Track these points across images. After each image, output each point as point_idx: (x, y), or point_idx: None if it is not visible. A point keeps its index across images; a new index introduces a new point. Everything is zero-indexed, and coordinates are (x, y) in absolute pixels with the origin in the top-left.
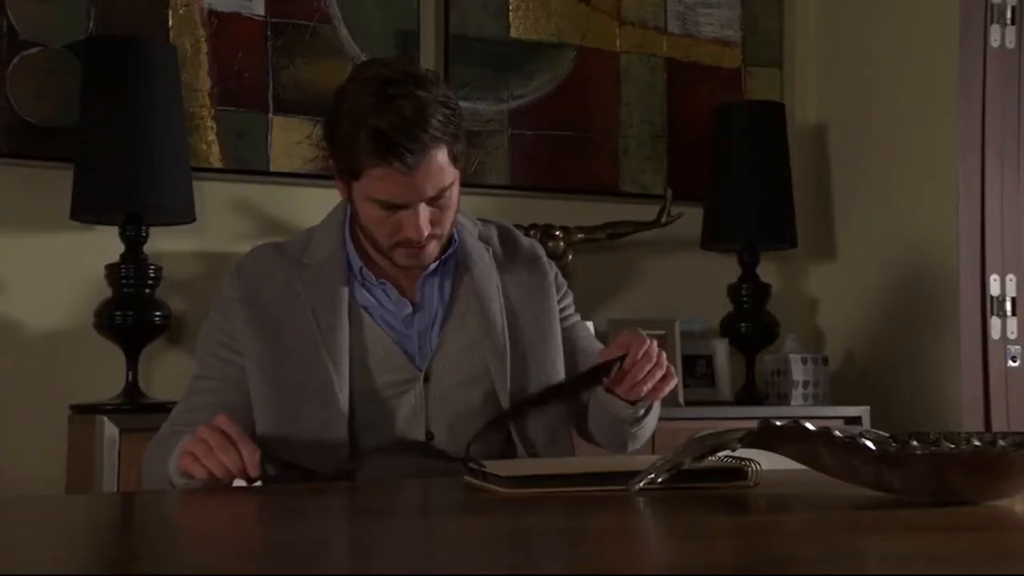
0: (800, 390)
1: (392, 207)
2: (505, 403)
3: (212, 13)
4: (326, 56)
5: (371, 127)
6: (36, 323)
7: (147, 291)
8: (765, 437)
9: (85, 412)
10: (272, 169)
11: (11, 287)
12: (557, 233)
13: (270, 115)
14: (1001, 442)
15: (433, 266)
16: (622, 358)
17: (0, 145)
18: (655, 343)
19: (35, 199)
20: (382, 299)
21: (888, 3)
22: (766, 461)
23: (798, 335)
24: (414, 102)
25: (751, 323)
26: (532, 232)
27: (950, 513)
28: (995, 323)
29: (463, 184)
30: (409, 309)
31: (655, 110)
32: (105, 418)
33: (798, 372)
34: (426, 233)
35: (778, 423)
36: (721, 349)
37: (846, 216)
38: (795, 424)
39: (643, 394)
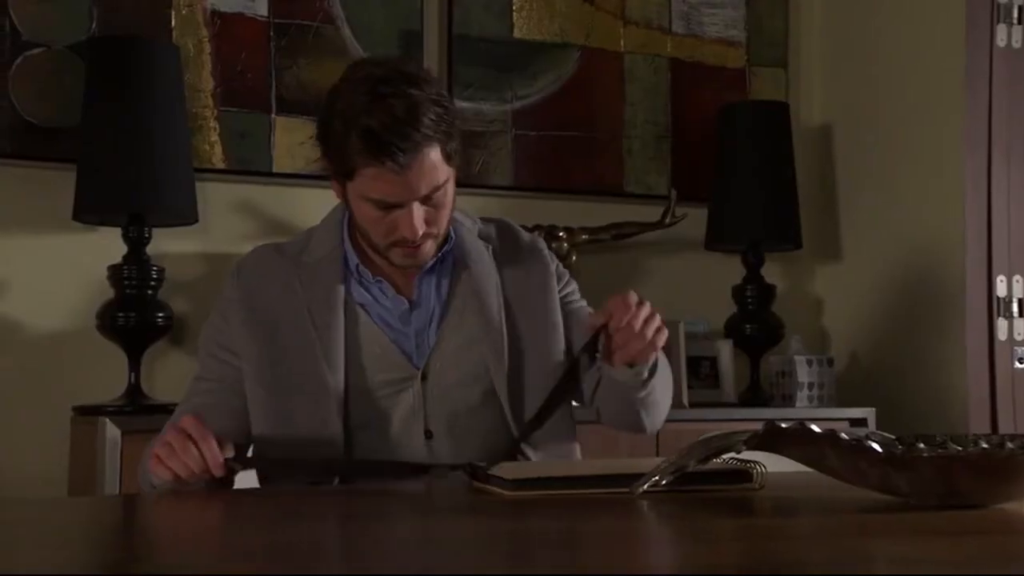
0: (805, 392)
1: (386, 206)
2: (504, 401)
3: (215, 13)
4: (329, 56)
5: (363, 126)
6: (38, 324)
7: (149, 292)
8: (770, 439)
9: (87, 413)
10: (275, 170)
11: (13, 288)
12: (561, 234)
13: (273, 116)
14: (1009, 444)
15: (430, 264)
16: (606, 326)
17: (3, 146)
18: (635, 299)
19: (37, 200)
20: (379, 296)
21: (893, 2)
22: (771, 463)
23: (803, 336)
24: (406, 101)
25: (756, 324)
26: (536, 233)
27: (957, 516)
28: (1002, 324)
29: (467, 185)
30: (406, 306)
31: (659, 110)
32: (107, 420)
33: (803, 373)
34: (421, 232)
35: (783, 425)
36: (725, 350)
37: (851, 217)
38: (800, 426)
39: (635, 353)
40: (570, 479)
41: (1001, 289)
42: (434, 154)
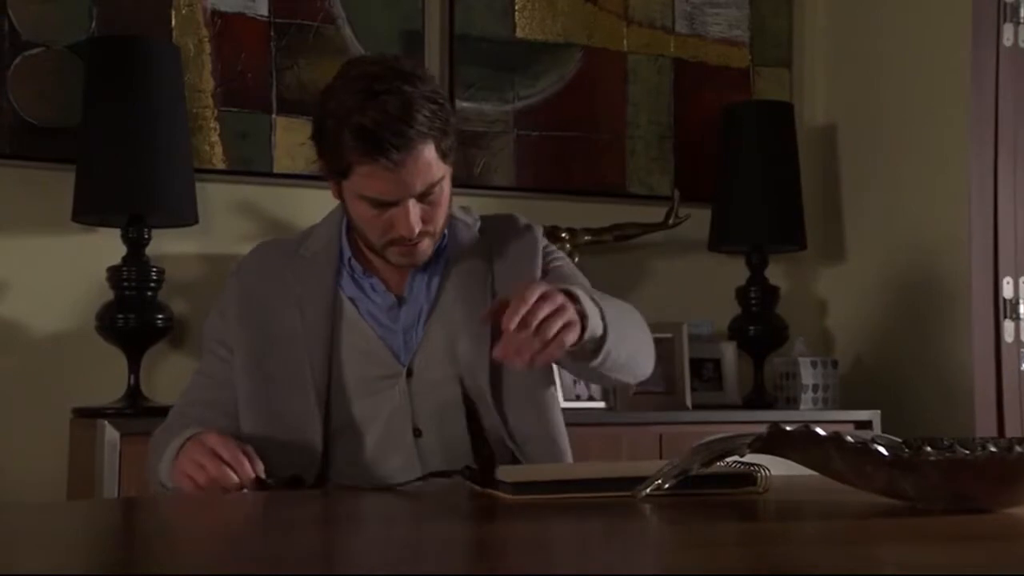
0: (809, 394)
1: (382, 205)
2: (488, 398)
3: (215, 13)
4: (330, 56)
5: (356, 124)
6: (37, 325)
7: (149, 293)
8: (774, 442)
9: (86, 416)
10: (275, 170)
11: (12, 289)
12: (563, 235)
13: (273, 116)
14: (1017, 448)
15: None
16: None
17: (2, 146)
18: (538, 291)
19: (37, 200)
20: (368, 291)
21: (899, 1)
22: (775, 466)
23: (807, 338)
24: (399, 98)
25: (759, 326)
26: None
27: (964, 521)
28: (1008, 326)
29: (469, 185)
30: (393, 301)
31: (662, 111)
32: (106, 422)
33: (807, 375)
34: (417, 230)
35: (788, 428)
36: (729, 352)
37: (856, 218)
38: (805, 429)
39: (529, 358)
40: (572, 483)
41: (1007, 291)
42: (428, 151)
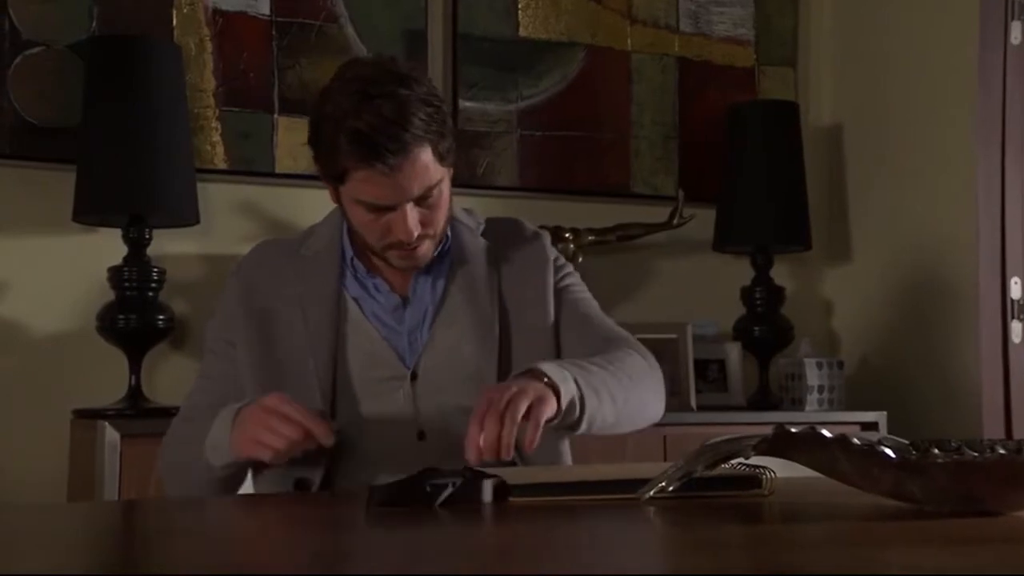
0: (815, 395)
1: (379, 209)
2: None
3: (217, 12)
4: (332, 56)
5: (351, 129)
6: (38, 326)
7: (150, 294)
8: (780, 444)
9: (87, 417)
10: (277, 170)
11: (13, 289)
12: (567, 235)
13: (275, 115)
14: None
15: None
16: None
17: (2, 146)
18: (497, 391)
19: (37, 200)
20: (372, 291)
21: (905, 0)
22: (780, 468)
23: (813, 339)
24: (395, 101)
25: (764, 326)
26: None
27: (973, 524)
28: (1016, 327)
29: (471, 185)
30: (398, 302)
31: (667, 110)
32: (107, 423)
33: (813, 376)
34: (416, 234)
35: (793, 429)
36: (734, 353)
37: (862, 217)
38: (811, 430)
39: (507, 447)
40: (575, 485)
41: (1015, 291)
42: (425, 155)
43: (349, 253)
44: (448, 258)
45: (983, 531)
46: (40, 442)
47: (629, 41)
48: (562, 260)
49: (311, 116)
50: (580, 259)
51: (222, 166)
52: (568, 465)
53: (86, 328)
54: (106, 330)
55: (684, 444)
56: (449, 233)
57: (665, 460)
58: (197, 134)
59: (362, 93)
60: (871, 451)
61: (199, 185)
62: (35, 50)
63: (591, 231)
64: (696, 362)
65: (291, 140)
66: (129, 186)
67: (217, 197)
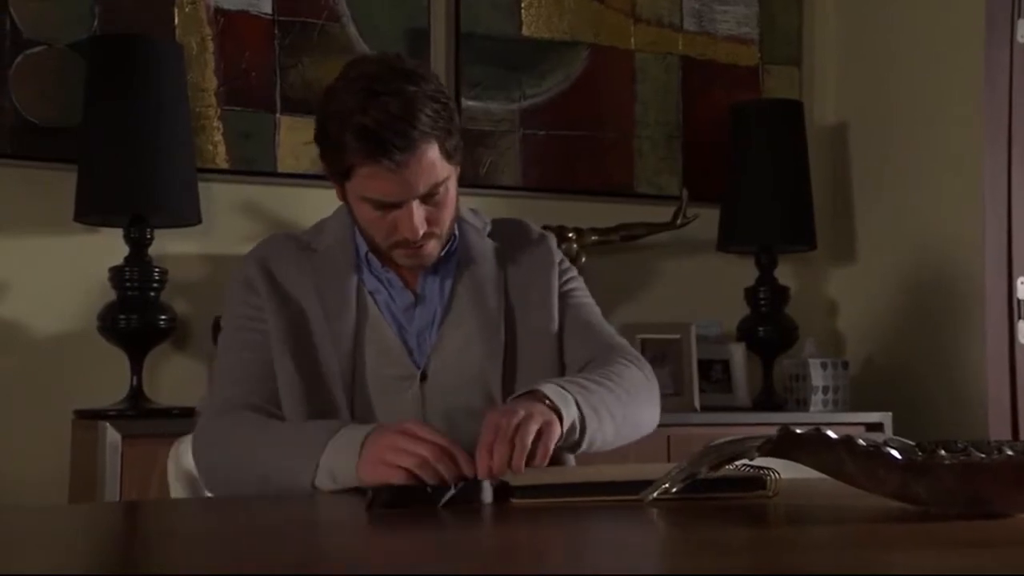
0: (820, 395)
1: (385, 206)
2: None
3: (218, 11)
4: (334, 55)
5: (357, 125)
6: (39, 326)
7: (152, 294)
8: (785, 445)
9: (88, 417)
10: (279, 170)
11: (14, 289)
12: (570, 235)
13: (277, 115)
14: None
15: (434, 263)
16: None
17: (3, 146)
18: (503, 413)
19: (38, 200)
20: (387, 285)
21: None
22: (785, 470)
23: (817, 339)
24: (401, 97)
25: (769, 327)
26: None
27: (980, 526)
28: (1022, 327)
29: (475, 185)
30: (411, 299)
31: (670, 109)
32: (108, 424)
33: (817, 377)
34: (421, 232)
35: (798, 430)
36: (738, 353)
37: (867, 217)
38: (816, 431)
39: (517, 466)
40: (577, 486)
41: (1022, 291)
42: (432, 151)
43: (363, 248)
44: (455, 258)
45: (990, 533)
46: (41, 443)
47: (633, 40)
48: (567, 263)
49: (317, 114)
50: (583, 259)
51: (224, 166)
52: (571, 466)
53: (87, 328)
54: (107, 330)
55: (688, 445)
56: (456, 233)
57: (669, 461)
58: (199, 134)
59: (368, 90)
60: (877, 452)
61: (201, 185)
62: (36, 49)
63: (594, 231)
64: (700, 362)
65: (293, 139)
66: (130, 186)
67: (219, 197)
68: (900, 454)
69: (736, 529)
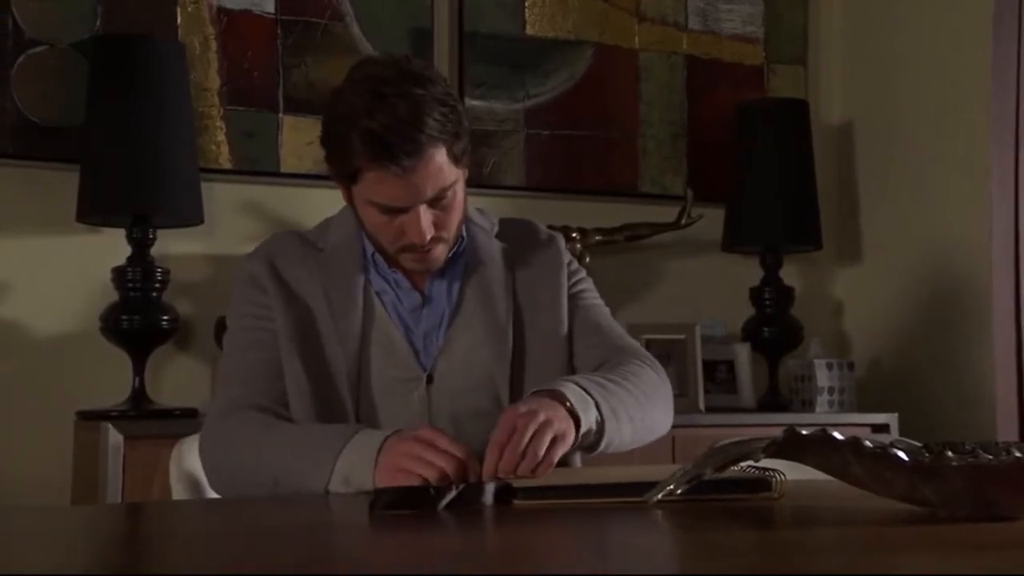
0: (825, 396)
1: (392, 211)
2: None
3: (221, 11)
4: (338, 54)
5: (364, 129)
6: (41, 327)
7: (154, 294)
8: (790, 446)
9: (90, 418)
10: (282, 170)
11: (16, 290)
12: (574, 235)
13: (280, 115)
14: None
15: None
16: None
17: (5, 146)
18: (522, 410)
19: (40, 200)
20: (394, 286)
21: None
22: (791, 471)
23: (823, 339)
24: (409, 101)
25: (774, 327)
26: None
27: (989, 529)
28: None
29: (478, 185)
30: (419, 301)
31: (675, 109)
32: (110, 425)
33: (823, 378)
34: (429, 236)
35: (804, 431)
36: (743, 354)
37: (873, 217)
38: (822, 433)
39: (523, 473)
40: (581, 488)
41: None
42: (440, 156)
43: (369, 248)
44: (463, 260)
45: (999, 536)
46: (43, 444)
47: (637, 39)
48: (576, 264)
49: (323, 116)
50: (587, 259)
51: (226, 166)
52: (575, 467)
53: (89, 329)
54: (109, 331)
55: (693, 446)
56: (464, 234)
57: (674, 462)
58: (201, 133)
59: (375, 92)
60: (884, 454)
61: (203, 185)
62: (39, 49)
63: (598, 231)
64: (705, 363)
65: (296, 139)
66: (133, 186)
67: (221, 197)
68: (907, 456)
69: (741, 531)
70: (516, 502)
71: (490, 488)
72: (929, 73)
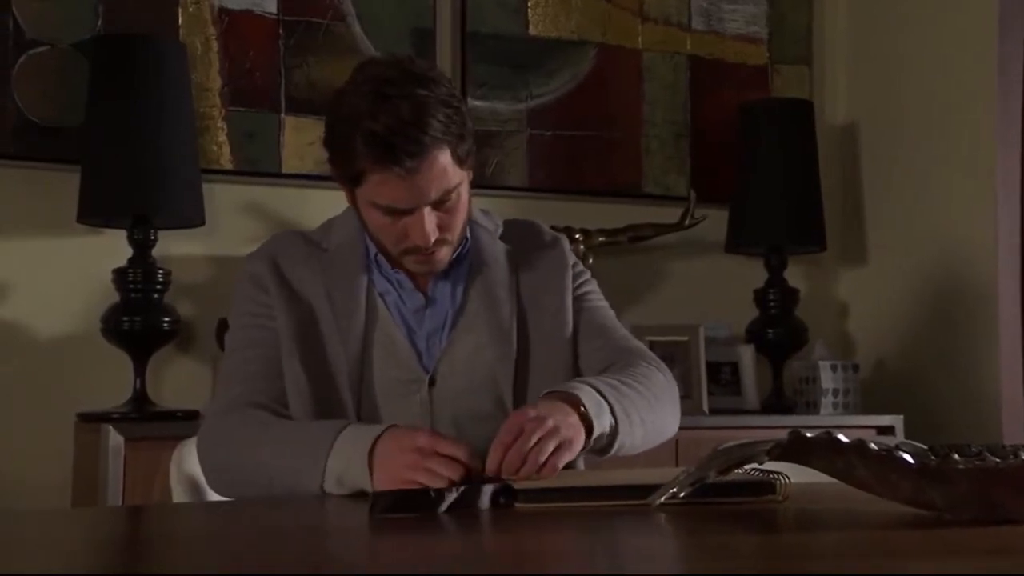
0: (830, 398)
1: (396, 213)
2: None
3: (223, 11)
4: (339, 54)
5: (367, 130)
6: (42, 328)
7: (155, 296)
8: (795, 449)
9: (91, 420)
10: (284, 171)
11: (16, 291)
12: (577, 236)
13: (282, 115)
14: None
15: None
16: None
17: (6, 146)
18: (531, 415)
19: (41, 201)
20: (397, 287)
21: None
22: (795, 474)
23: (827, 341)
24: (412, 102)
25: (778, 329)
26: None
27: (995, 533)
28: None
29: (480, 186)
30: (422, 302)
31: (678, 109)
32: (111, 427)
33: (827, 380)
34: (433, 239)
35: (808, 434)
36: (747, 356)
37: (877, 218)
38: (827, 435)
39: (524, 477)
40: (584, 490)
41: None
42: (444, 157)
43: (373, 249)
44: (467, 261)
45: (1006, 540)
46: (43, 445)
47: (640, 39)
48: (580, 266)
49: (326, 117)
50: (590, 260)
51: (228, 166)
52: (578, 470)
53: (90, 330)
54: (110, 332)
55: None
56: (468, 236)
57: (677, 465)
58: (203, 134)
59: (379, 93)
60: (889, 457)
61: (204, 186)
62: (39, 49)
63: (602, 232)
64: (708, 365)
65: (298, 140)
66: (134, 187)
67: (223, 198)
68: (913, 459)
69: (745, 534)
70: (518, 504)
71: (491, 490)
72: (934, 73)
